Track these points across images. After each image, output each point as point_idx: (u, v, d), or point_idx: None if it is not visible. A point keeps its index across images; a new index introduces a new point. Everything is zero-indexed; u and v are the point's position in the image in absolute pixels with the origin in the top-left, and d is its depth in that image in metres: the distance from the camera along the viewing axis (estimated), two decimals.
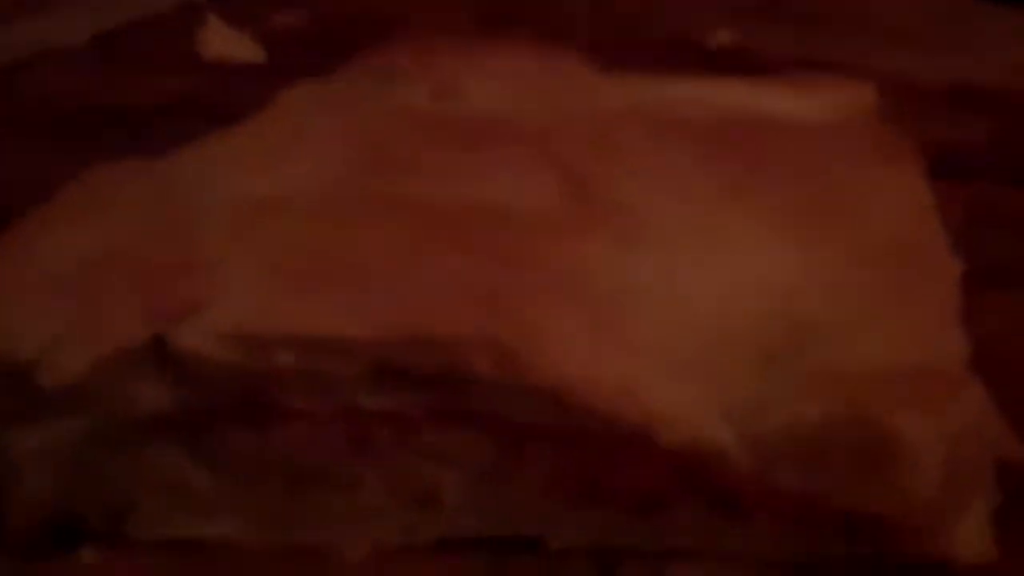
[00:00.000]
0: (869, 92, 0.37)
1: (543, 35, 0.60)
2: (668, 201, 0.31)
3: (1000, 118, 0.52)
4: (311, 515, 0.29)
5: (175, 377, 0.27)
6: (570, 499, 0.28)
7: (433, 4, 0.63)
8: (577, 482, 0.28)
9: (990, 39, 0.62)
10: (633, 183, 0.31)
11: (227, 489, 0.28)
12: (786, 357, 0.28)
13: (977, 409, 0.26)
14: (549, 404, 0.26)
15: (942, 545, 0.27)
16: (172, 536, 0.29)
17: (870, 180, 0.32)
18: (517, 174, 0.31)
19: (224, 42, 0.54)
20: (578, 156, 0.32)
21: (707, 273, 0.29)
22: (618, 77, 0.37)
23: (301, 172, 0.31)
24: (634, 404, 0.26)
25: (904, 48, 0.60)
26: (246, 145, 0.33)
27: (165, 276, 0.27)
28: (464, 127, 0.33)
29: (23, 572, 0.29)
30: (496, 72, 0.36)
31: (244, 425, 0.27)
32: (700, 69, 0.54)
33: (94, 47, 0.56)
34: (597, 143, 0.33)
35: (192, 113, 0.49)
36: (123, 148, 0.36)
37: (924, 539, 0.27)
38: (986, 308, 0.37)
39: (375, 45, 0.40)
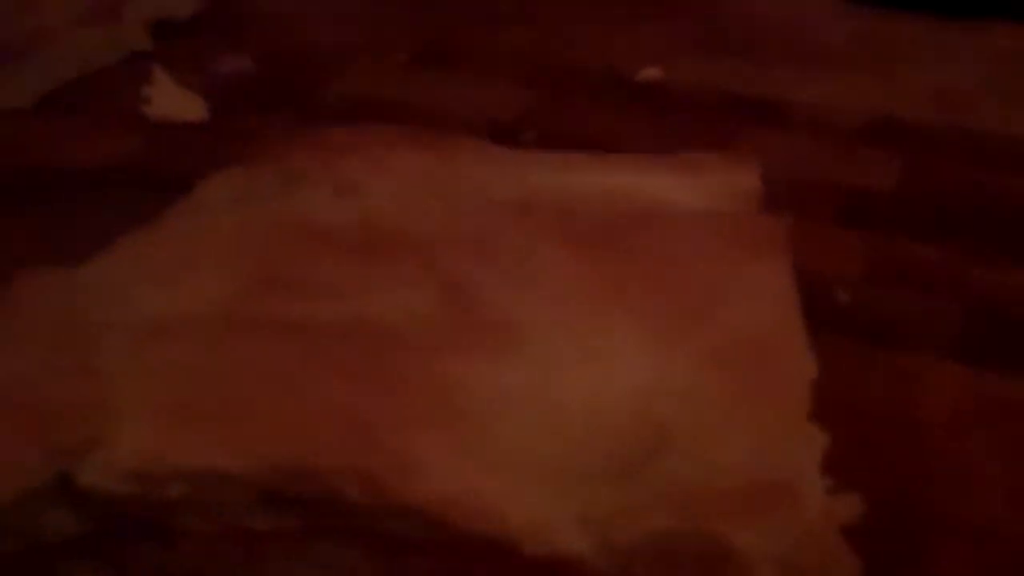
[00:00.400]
0: (752, 175, 0.39)
1: (482, 70, 0.63)
2: (545, 307, 0.33)
3: (915, 157, 0.54)
4: None
5: (79, 507, 0.29)
6: None
7: (372, 43, 0.65)
8: None
9: (916, 63, 0.63)
10: (512, 290, 0.34)
11: None
12: (642, 465, 0.30)
13: (813, 522, 0.29)
14: (419, 522, 0.29)
15: None
16: None
17: (737, 276, 0.34)
18: (402, 287, 0.33)
19: (169, 101, 0.57)
20: (461, 265, 0.34)
21: (577, 379, 0.32)
22: (510, 166, 0.39)
23: (200, 286, 0.34)
24: (494, 520, 0.29)
25: (831, 77, 0.62)
26: (154, 254, 0.36)
27: (64, 414, 0.29)
28: (358, 237, 0.35)
29: None
30: (394, 170, 0.38)
31: (147, 543, 0.30)
32: (625, 103, 0.57)
33: (40, 105, 0.58)
34: (480, 249, 0.35)
35: (133, 177, 0.51)
36: (61, 212, 0.38)
37: None
38: (871, 367, 0.39)
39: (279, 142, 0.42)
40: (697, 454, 0.30)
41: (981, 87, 0.60)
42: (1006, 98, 0.59)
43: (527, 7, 0.70)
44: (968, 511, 0.34)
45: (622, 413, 0.31)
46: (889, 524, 0.34)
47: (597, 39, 0.66)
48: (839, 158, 0.53)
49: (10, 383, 0.31)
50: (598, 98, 0.60)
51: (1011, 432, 0.37)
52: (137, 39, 0.63)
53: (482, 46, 0.65)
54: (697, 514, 0.28)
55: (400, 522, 0.29)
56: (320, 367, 0.31)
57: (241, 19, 0.65)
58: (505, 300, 0.33)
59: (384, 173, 0.38)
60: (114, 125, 0.56)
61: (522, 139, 0.54)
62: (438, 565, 0.30)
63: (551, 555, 0.29)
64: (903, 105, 0.58)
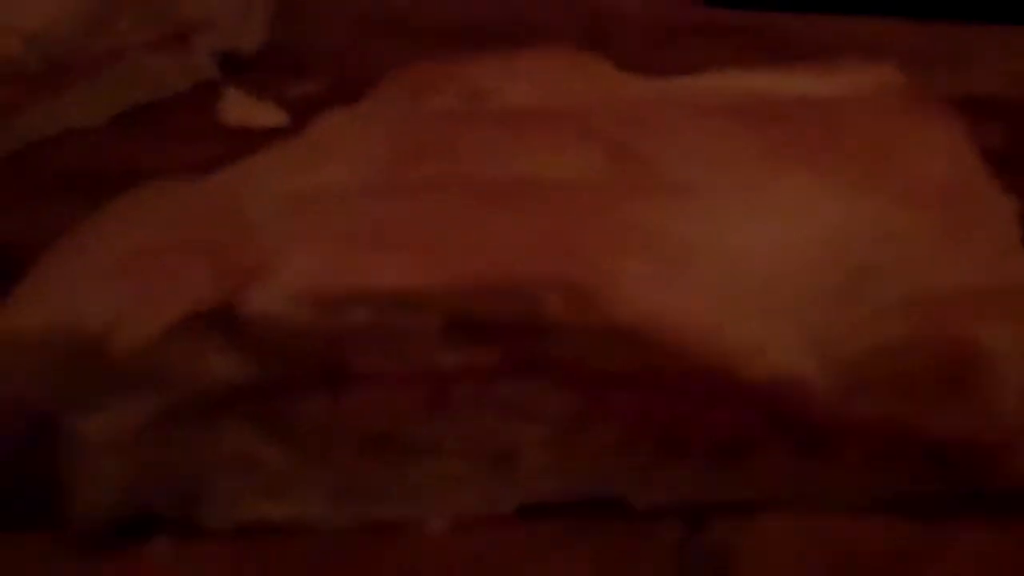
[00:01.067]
0: (892, 70, 0.37)
1: None
2: (711, 167, 0.31)
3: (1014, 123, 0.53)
4: (387, 487, 0.28)
5: (246, 345, 0.26)
6: (653, 450, 0.28)
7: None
8: (660, 430, 0.27)
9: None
10: (675, 153, 0.31)
11: (300, 464, 0.28)
12: (856, 291, 0.27)
13: None
14: (626, 347, 0.26)
15: None
16: (245, 520, 0.29)
17: (909, 135, 0.32)
18: (560, 149, 0.31)
19: (246, 110, 0.55)
20: (618, 131, 0.32)
21: (760, 228, 0.29)
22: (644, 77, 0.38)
23: (345, 169, 0.31)
24: (712, 340, 0.26)
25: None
26: (288, 155, 0.33)
27: (228, 248, 0.27)
28: (500, 116, 0.33)
29: (90, 567, 0.28)
30: (525, 72, 0.36)
31: (317, 393, 0.27)
32: None
33: (113, 125, 0.56)
34: (635, 121, 0.33)
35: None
36: None
37: (1014, 457, 0.27)
38: None
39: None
40: (917, 276, 0.27)
41: None
42: None
43: None
44: None
45: (818, 257, 0.29)
46: None
47: None
48: None
49: (165, 236, 0.28)
50: None
51: None
52: (205, 69, 0.62)
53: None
54: (938, 319, 0.26)
55: (605, 348, 0.26)
56: (496, 207, 0.28)
57: (306, 51, 0.65)
58: (670, 161, 0.31)
59: (514, 77, 0.36)
60: (192, 137, 0.55)
61: None
62: (643, 401, 0.27)
63: (772, 378, 0.26)
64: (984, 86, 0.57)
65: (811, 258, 0.29)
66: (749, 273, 0.28)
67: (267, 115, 0.56)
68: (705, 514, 0.28)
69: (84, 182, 0.50)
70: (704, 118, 0.34)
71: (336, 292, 0.26)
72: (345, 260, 0.26)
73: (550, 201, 0.29)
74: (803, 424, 0.27)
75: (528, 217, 0.28)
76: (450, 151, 0.31)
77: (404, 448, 0.28)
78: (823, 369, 0.26)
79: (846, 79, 0.37)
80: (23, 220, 0.45)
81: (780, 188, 0.31)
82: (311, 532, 0.29)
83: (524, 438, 0.28)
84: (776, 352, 0.26)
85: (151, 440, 0.27)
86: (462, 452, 0.28)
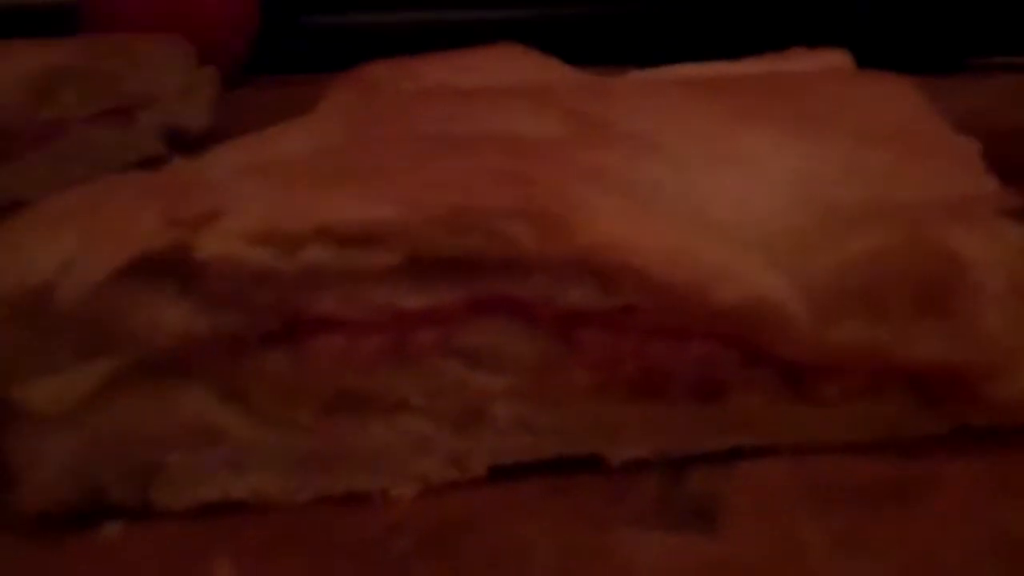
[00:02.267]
0: (842, 55, 0.38)
1: None
2: (673, 126, 0.31)
3: None
4: (351, 453, 0.27)
5: (201, 293, 0.25)
6: (627, 396, 0.27)
7: None
8: (633, 372, 0.26)
9: None
10: (635, 116, 0.31)
11: (261, 431, 0.26)
12: (826, 229, 0.27)
13: None
14: (595, 278, 0.25)
15: (1015, 391, 0.26)
16: (201, 500, 0.27)
17: (864, 92, 0.32)
18: (517, 116, 0.30)
19: None
20: (576, 102, 0.32)
21: (725, 177, 0.29)
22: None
23: (302, 141, 0.30)
24: (682, 263, 0.25)
25: None
26: (247, 140, 0.32)
27: (182, 195, 0.26)
28: (455, 93, 0.33)
29: (38, 553, 0.26)
30: (476, 66, 0.36)
31: (276, 346, 0.26)
32: None
33: None
34: (593, 94, 0.33)
35: None
36: None
37: (996, 386, 0.26)
38: None
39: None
40: (881, 200, 0.27)
41: None
42: None
43: None
44: None
45: (781, 199, 0.28)
46: None
47: None
48: None
49: (113, 186, 0.27)
50: None
51: None
52: (151, 145, 0.61)
53: None
54: (907, 227, 0.25)
55: (573, 281, 0.25)
56: (460, 150, 0.28)
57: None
58: (634, 122, 0.31)
59: (468, 73, 0.36)
60: None
61: None
62: (614, 340, 0.26)
63: (744, 300, 0.25)
64: None
65: (777, 202, 0.28)
66: (716, 215, 0.27)
67: None
68: (685, 466, 0.27)
69: None
70: (663, 91, 0.34)
71: (293, 230, 0.25)
72: (302, 199, 0.25)
73: (511, 149, 0.28)
74: (779, 358, 0.26)
75: (490, 158, 0.27)
76: (406, 117, 0.31)
77: (367, 407, 0.27)
78: (795, 289, 0.25)
79: (798, 64, 0.37)
80: None
81: (742, 142, 0.30)
82: (272, 509, 0.27)
83: (492, 389, 0.27)
84: (747, 275, 0.25)
85: (101, 409, 0.26)
86: (428, 410, 0.27)
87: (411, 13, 0.87)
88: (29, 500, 0.26)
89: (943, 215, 0.26)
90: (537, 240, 0.25)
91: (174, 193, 0.26)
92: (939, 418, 0.27)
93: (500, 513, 0.26)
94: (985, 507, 0.25)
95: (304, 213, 0.25)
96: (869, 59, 0.37)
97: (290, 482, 0.27)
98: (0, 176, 0.56)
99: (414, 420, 0.27)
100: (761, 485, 0.27)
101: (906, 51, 0.72)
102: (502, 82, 0.35)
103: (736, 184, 0.29)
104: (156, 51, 0.65)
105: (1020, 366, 0.26)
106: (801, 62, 0.37)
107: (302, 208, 0.25)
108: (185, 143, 0.65)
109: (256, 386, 0.26)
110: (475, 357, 0.26)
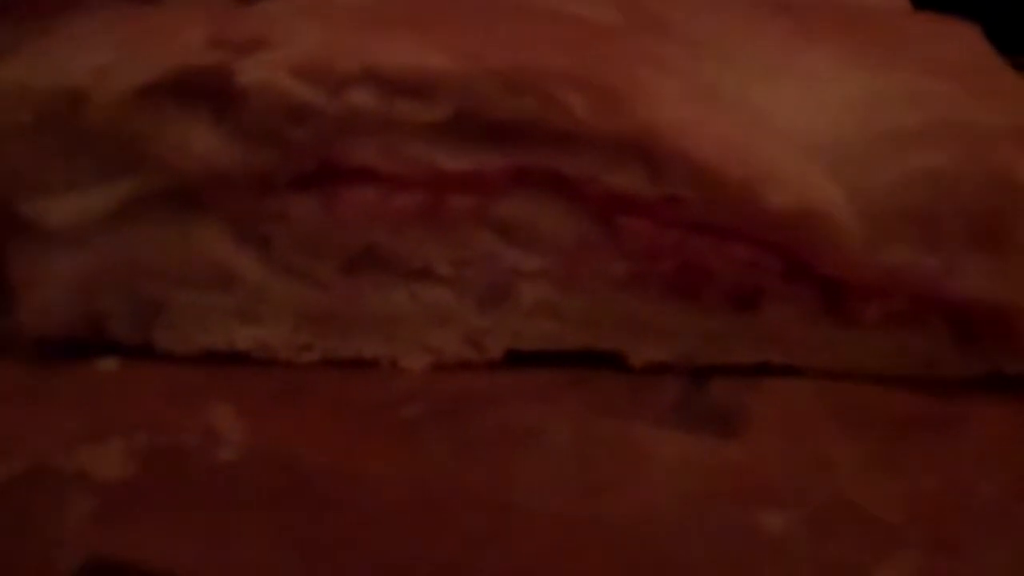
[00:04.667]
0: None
1: None
2: (734, 35, 0.29)
3: None
4: (367, 316, 0.26)
5: (236, 122, 0.24)
6: (660, 295, 0.26)
7: None
8: (671, 268, 0.25)
9: None
10: (698, 21, 0.30)
11: (277, 279, 0.25)
12: (886, 153, 0.26)
13: None
14: (647, 163, 0.24)
15: None
16: (204, 346, 0.26)
17: (926, 27, 0.31)
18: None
19: None
20: None
21: (784, 90, 0.27)
22: None
23: None
24: (738, 158, 0.24)
25: None
26: None
27: (229, 18, 0.25)
28: None
29: (34, 379, 0.25)
30: None
31: (307, 193, 0.25)
32: None
33: None
34: None
35: None
36: None
37: None
38: None
39: None
40: (945, 123, 0.26)
41: None
42: None
43: None
44: None
45: (840, 118, 0.27)
46: None
47: None
48: None
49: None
50: None
51: None
52: None
53: None
54: (974, 150, 0.24)
55: (624, 161, 0.24)
56: (516, 18, 0.26)
57: None
58: (693, 25, 0.30)
59: None
60: None
61: None
62: (657, 230, 0.25)
63: (800, 208, 0.24)
64: None
65: (838, 117, 0.27)
66: (775, 122, 0.26)
67: None
68: (710, 375, 0.26)
69: None
70: (725, 5, 0.32)
71: (340, 68, 0.24)
72: (352, 38, 0.24)
73: (570, 23, 0.27)
74: (822, 274, 0.25)
75: (551, 28, 0.26)
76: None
77: (391, 270, 0.26)
78: (851, 200, 0.24)
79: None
80: None
81: (805, 58, 0.29)
82: (278, 365, 0.26)
83: (523, 267, 0.26)
84: (802, 181, 0.24)
85: (113, 233, 0.25)
86: (453, 280, 0.26)
87: None
88: (28, 321, 0.25)
89: (1009, 143, 0.24)
90: (592, 113, 0.24)
91: (223, 17, 0.25)
92: (974, 359, 0.26)
93: (516, 395, 0.25)
94: (1018, 450, 0.24)
95: (354, 53, 0.24)
96: None
97: (299, 338, 0.26)
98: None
99: (437, 290, 0.26)
100: (788, 401, 0.26)
101: None
102: None
103: (797, 96, 0.27)
104: None
105: None
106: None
107: (353, 47, 0.24)
108: None
109: (278, 231, 0.25)
110: (510, 231, 0.25)
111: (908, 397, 0.26)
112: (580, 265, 0.25)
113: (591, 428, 0.24)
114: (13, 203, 0.25)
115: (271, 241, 0.25)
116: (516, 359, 0.26)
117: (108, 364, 0.26)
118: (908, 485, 0.23)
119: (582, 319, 0.26)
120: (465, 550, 0.21)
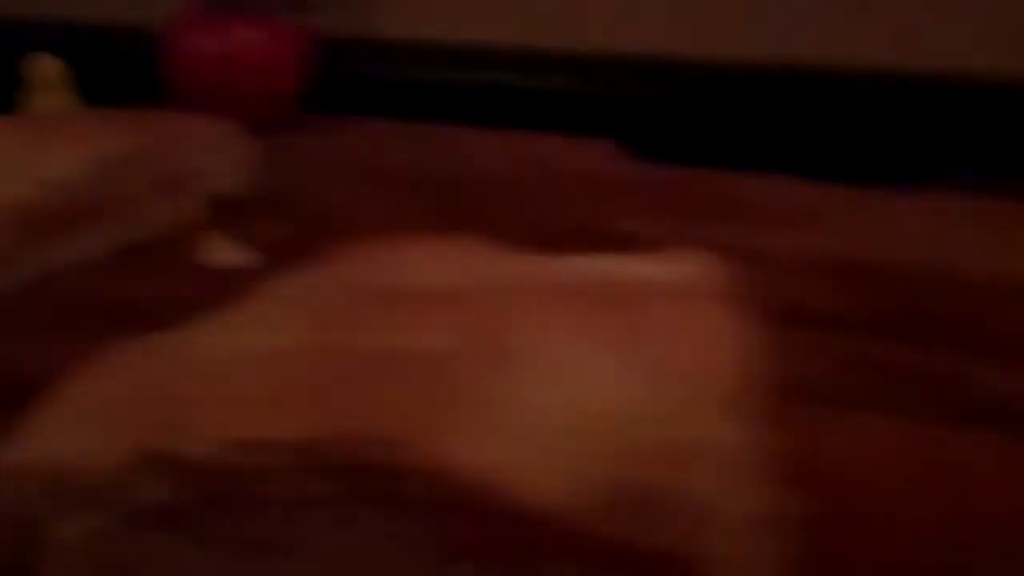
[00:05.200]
0: (712, 259, 0.48)
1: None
2: (542, 339, 0.42)
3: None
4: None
5: (178, 478, 0.37)
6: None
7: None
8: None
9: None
10: (518, 328, 0.42)
11: (223, 568, 0.38)
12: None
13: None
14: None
15: None
16: None
17: (690, 323, 0.43)
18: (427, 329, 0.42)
19: (223, 252, 0.67)
20: (477, 316, 0.43)
21: (560, 392, 0.39)
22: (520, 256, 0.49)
23: (262, 335, 0.42)
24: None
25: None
26: (228, 321, 0.44)
27: (170, 404, 0.38)
28: (396, 296, 0.44)
29: None
30: (428, 252, 0.48)
31: (227, 513, 0.37)
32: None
33: (110, 259, 0.68)
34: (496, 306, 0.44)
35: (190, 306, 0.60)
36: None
37: None
38: None
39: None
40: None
41: None
42: None
43: None
44: None
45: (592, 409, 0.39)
46: None
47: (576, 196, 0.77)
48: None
49: (123, 397, 0.39)
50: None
51: None
52: (192, 210, 0.74)
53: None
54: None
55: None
56: (362, 374, 0.39)
57: (282, 196, 0.78)
58: (513, 334, 0.42)
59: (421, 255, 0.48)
60: (174, 271, 0.66)
61: None
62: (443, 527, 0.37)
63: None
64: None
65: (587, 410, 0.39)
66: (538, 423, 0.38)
67: (242, 257, 0.67)
68: None
69: (84, 314, 0.61)
70: (551, 299, 0.44)
71: (254, 440, 0.36)
72: (257, 417, 0.37)
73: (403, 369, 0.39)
74: None
75: (377, 383, 0.38)
76: (350, 321, 0.42)
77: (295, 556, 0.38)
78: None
79: (677, 265, 0.48)
80: (32, 350, 0.56)
81: (583, 360, 0.41)
82: None
83: None
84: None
85: (112, 542, 0.38)
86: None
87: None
88: None
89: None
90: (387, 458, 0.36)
91: (166, 401, 0.38)
92: None
93: None
94: None
95: (251, 429, 0.36)
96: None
97: None
98: (64, 244, 0.69)
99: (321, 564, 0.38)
100: None
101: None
102: (447, 273, 0.47)
103: (567, 398, 0.39)
104: (205, 131, 0.78)
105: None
106: (680, 262, 0.48)
107: (249, 424, 0.37)
108: (223, 206, 0.77)
109: (213, 537, 0.38)
110: (361, 533, 0.37)
111: None
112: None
113: None
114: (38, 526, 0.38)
115: (212, 544, 0.38)
116: None
117: None
118: None
119: None
120: None
